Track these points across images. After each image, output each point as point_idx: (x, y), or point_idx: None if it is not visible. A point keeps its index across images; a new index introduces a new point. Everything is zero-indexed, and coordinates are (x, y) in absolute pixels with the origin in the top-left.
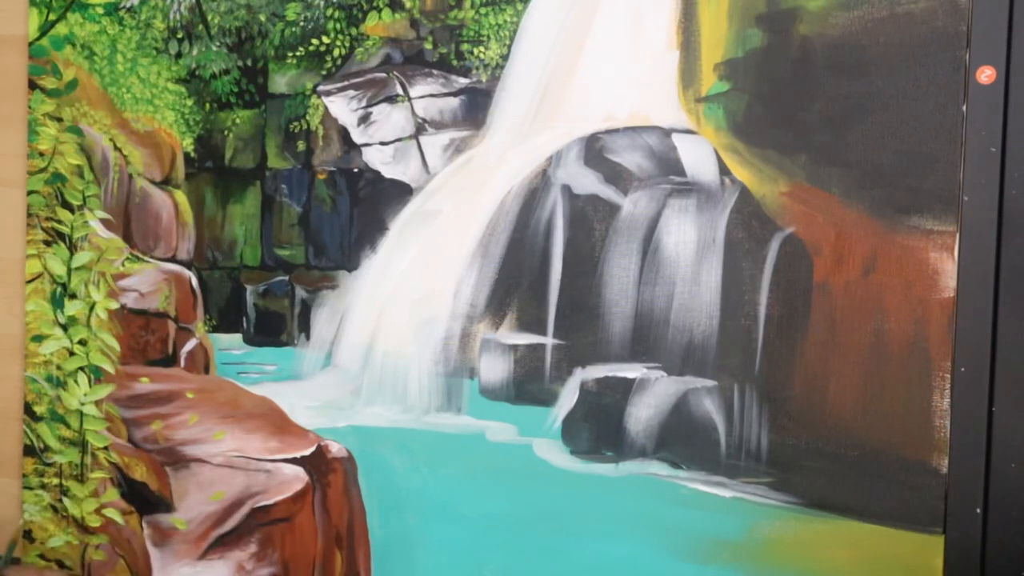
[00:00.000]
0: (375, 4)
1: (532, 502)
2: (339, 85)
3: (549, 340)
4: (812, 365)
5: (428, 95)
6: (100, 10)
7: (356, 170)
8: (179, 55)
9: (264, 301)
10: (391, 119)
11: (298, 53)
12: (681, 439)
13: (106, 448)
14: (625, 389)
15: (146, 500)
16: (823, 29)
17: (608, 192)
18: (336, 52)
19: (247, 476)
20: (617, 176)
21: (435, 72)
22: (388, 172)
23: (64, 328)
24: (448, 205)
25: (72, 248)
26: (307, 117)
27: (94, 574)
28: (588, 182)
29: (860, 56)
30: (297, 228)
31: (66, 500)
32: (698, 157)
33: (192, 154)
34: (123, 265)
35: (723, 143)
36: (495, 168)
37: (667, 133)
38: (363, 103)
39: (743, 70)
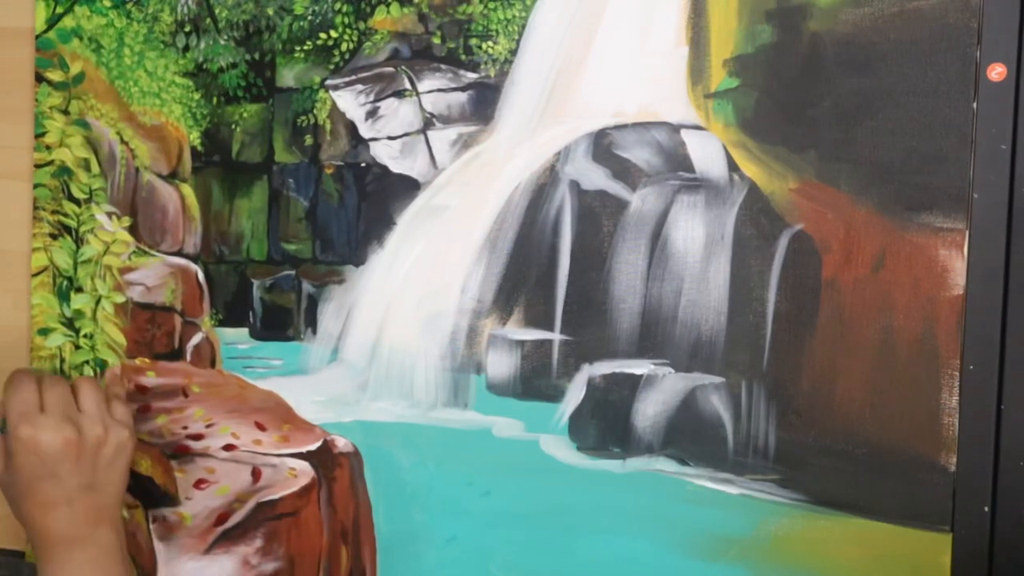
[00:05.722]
0: None
1: (538, 498)
2: (347, 79)
3: (556, 336)
4: (820, 362)
5: (436, 90)
6: (107, 3)
7: (363, 165)
8: (186, 48)
9: (271, 295)
10: (399, 114)
11: (306, 47)
12: (688, 436)
13: None
14: (632, 385)
15: (151, 494)
16: (833, 25)
17: (616, 188)
18: (344, 46)
19: (252, 470)
20: (625, 172)
21: (443, 67)
22: (396, 167)
23: (70, 322)
24: (456, 200)
25: (78, 242)
26: (315, 111)
27: None
28: (596, 178)
29: (870, 52)
30: (304, 223)
31: None
32: (707, 153)
33: (199, 148)
34: (129, 259)
35: (732, 139)
36: (503, 163)
37: (676, 129)
38: (371, 97)
39: (753, 66)
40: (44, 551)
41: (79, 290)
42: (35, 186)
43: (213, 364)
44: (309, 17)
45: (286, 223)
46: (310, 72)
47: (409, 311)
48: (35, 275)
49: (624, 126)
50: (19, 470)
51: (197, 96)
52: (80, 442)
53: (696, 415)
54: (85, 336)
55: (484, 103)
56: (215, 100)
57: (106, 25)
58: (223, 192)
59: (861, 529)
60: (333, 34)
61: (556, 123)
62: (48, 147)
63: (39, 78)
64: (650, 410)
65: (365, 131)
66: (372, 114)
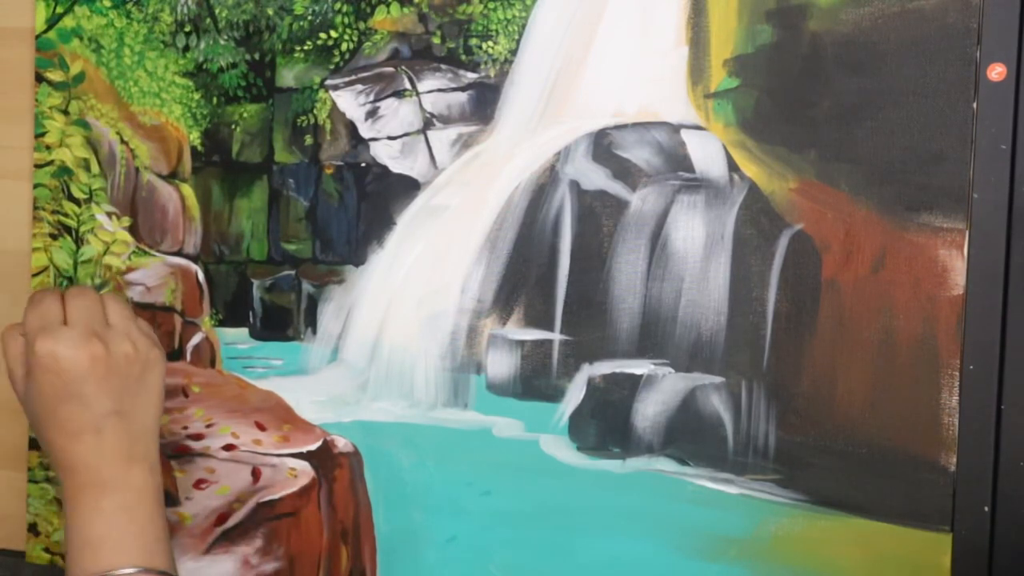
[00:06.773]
0: None
1: (538, 498)
2: (347, 79)
3: (556, 336)
4: (820, 362)
5: (436, 90)
6: (107, 3)
7: (363, 165)
8: (186, 49)
9: (271, 295)
10: (399, 114)
11: (306, 47)
12: (688, 436)
13: None
14: (632, 385)
15: None
16: (833, 25)
17: (616, 188)
18: (344, 46)
19: (252, 470)
20: (626, 172)
21: (443, 67)
22: (396, 167)
23: None
24: (456, 200)
25: (78, 242)
26: (314, 111)
27: None
28: (596, 178)
29: (870, 52)
30: (304, 223)
31: None
32: (707, 153)
33: (199, 148)
34: (129, 259)
35: (732, 139)
36: (503, 163)
37: (676, 129)
38: (371, 97)
39: (753, 66)
40: (72, 495)
41: None
42: (35, 186)
43: (213, 364)
44: (309, 17)
45: (286, 223)
46: (310, 72)
47: (409, 311)
48: (35, 275)
49: (624, 126)
50: (40, 392)
51: (197, 96)
52: (107, 359)
53: (696, 415)
54: None
55: (484, 103)
56: (215, 100)
57: (106, 25)
58: (223, 192)
59: (861, 529)
60: (333, 34)
61: (556, 123)
62: (48, 147)
63: (39, 78)
64: (650, 410)
65: (365, 131)
66: (372, 114)
